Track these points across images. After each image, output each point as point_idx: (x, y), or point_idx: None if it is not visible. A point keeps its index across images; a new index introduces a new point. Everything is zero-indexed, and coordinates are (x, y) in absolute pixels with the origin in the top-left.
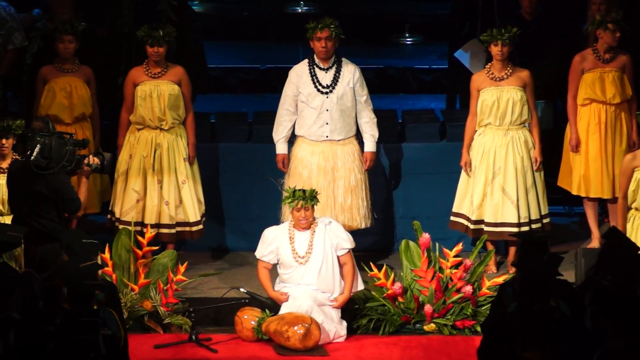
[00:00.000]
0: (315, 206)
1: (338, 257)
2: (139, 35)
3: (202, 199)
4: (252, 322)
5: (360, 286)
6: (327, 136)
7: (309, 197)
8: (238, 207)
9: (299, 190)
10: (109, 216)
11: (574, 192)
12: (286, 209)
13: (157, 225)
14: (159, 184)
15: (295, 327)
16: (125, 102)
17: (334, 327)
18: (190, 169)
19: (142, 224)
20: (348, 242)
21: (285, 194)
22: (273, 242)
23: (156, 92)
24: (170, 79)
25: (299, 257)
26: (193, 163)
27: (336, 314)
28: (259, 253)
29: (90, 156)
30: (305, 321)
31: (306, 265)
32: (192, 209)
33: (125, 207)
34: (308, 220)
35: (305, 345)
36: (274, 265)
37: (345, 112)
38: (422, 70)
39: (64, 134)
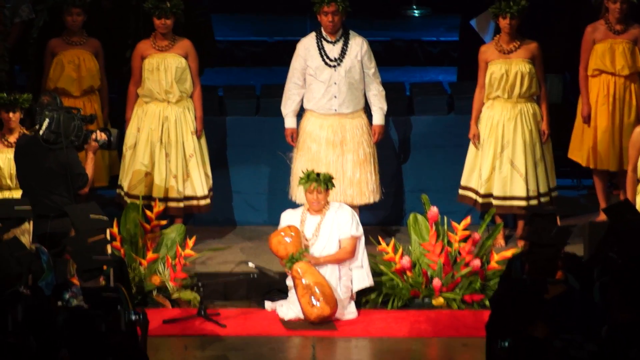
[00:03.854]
0: (330, 190)
1: (339, 240)
2: (146, 7)
3: (210, 173)
4: (287, 252)
5: (368, 282)
6: (335, 109)
7: (323, 180)
8: (246, 181)
9: (315, 172)
10: (117, 190)
11: (584, 164)
12: (294, 184)
13: (165, 199)
14: (167, 158)
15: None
16: (133, 76)
17: (341, 306)
18: (197, 142)
19: (150, 197)
20: (349, 228)
21: (300, 175)
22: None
23: (163, 65)
24: (178, 52)
25: (306, 239)
26: (201, 137)
27: (345, 292)
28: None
29: (98, 131)
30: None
31: (311, 249)
32: (200, 182)
33: (133, 180)
34: (320, 203)
35: (319, 317)
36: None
37: (353, 85)
38: (430, 42)
39: (72, 109)
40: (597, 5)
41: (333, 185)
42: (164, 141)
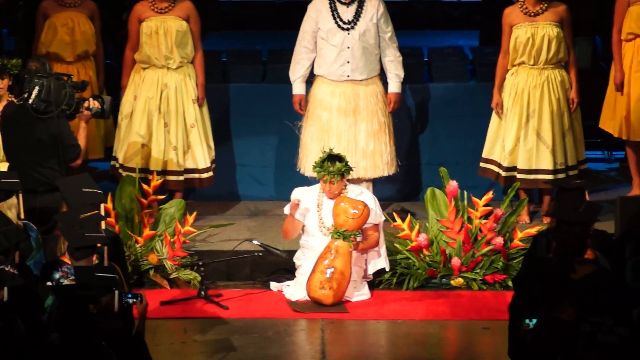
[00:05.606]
0: (345, 176)
1: (362, 229)
2: None
3: (212, 144)
4: (344, 224)
5: (383, 264)
6: (348, 76)
7: (337, 172)
8: (251, 153)
9: (329, 161)
10: (112, 162)
11: (616, 135)
12: (303, 156)
13: (164, 172)
14: (166, 128)
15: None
16: (130, 40)
17: (352, 287)
18: (199, 111)
19: (147, 170)
20: (372, 217)
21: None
22: (302, 204)
23: (163, 29)
24: (178, 14)
25: (324, 227)
26: (202, 105)
27: (357, 272)
28: (287, 210)
29: (90, 99)
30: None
31: (329, 238)
32: (202, 154)
33: (129, 152)
34: (333, 193)
35: (317, 300)
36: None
37: (367, 50)
38: (451, 4)
39: (62, 75)
40: None
41: (350, 170)
42: (163, 110)
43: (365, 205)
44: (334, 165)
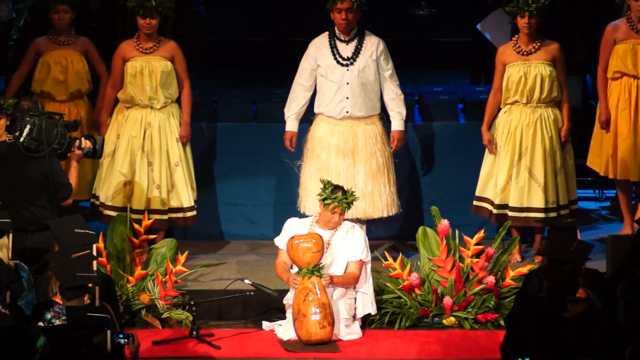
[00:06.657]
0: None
1: (347, 262)
2: (129, 5)
3: (194, 184)
4: (311, 261)
5: (371, 309)
6: (347, 112)
7: (351, 202)
8: (243, 192)
9: (340, 191)
10: (92, 200)
11: (602, 174)
12: (303, 194)
13: (148, 211)
14: (150, 167)
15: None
16: (112, 77)
17: (343, 326)
18: (183, 150)
19: (131, 209)
20: (360, 252)
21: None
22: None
23: (147, 69)
24: (163, 54)
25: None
26: (186, 144)
27: (348, 311)
28: (278, 241)
29: (82, 139)
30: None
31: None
32: (186, 193)
33: (110, 191)
34: (337, 223)
35: (318, 341)
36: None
37: (367, 87)
38: (441, 42)
39: (54, 114)
40: (620, 2)
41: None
42: (147, 149)
43: (318, 235)
44: (348, 197)
